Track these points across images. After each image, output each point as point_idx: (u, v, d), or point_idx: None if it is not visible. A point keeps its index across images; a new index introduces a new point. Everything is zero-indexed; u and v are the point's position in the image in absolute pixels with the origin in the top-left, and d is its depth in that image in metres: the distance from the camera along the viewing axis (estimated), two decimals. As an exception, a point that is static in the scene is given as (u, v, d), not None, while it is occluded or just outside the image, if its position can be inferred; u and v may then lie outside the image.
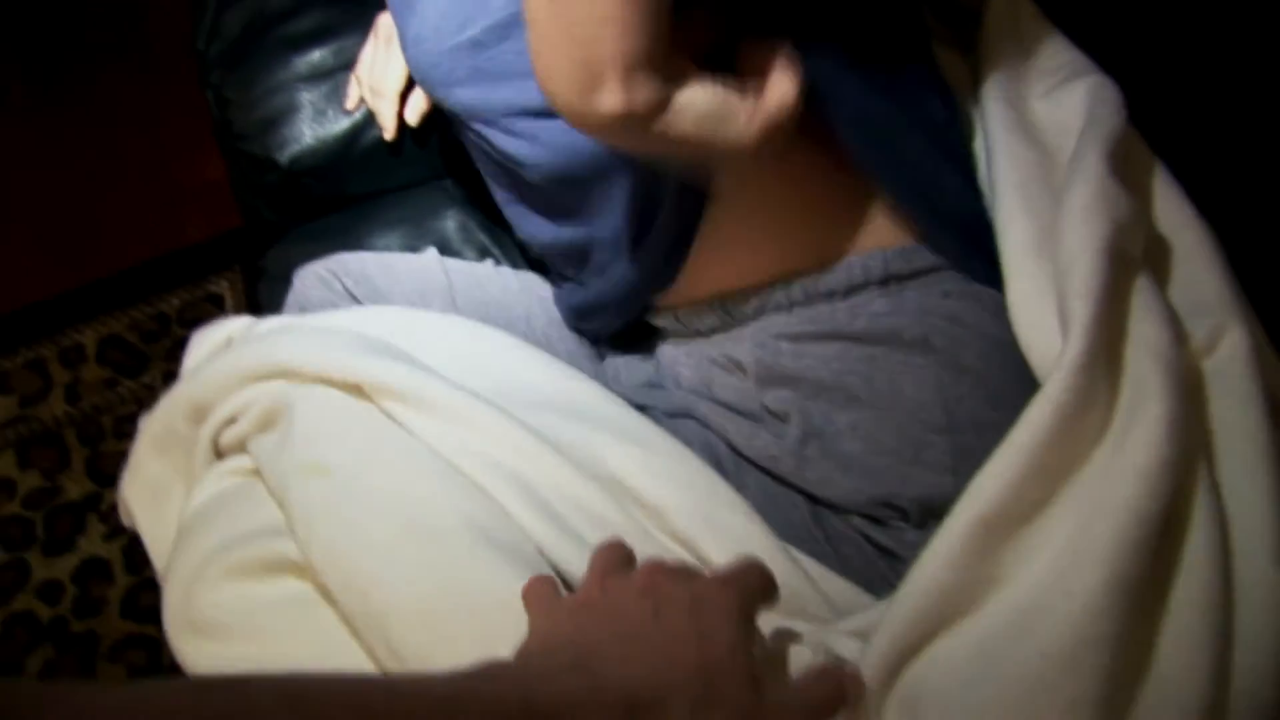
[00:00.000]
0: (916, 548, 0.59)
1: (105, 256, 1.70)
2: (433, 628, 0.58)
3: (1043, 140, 0.71)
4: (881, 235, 0.71)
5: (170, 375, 1.62)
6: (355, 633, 0.60)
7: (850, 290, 0.70)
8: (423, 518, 0.61)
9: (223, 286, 1.66)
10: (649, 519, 0.65)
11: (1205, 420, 0.60)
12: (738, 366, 0.73)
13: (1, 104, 1.80)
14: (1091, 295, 0.58)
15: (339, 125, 1.02)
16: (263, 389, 0.69)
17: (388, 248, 0.99)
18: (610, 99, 0.56)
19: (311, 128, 1.02)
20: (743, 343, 0.72)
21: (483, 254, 0.99)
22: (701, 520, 0.63)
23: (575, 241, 0.78)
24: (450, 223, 1.02)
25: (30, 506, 1.49)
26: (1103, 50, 0.81)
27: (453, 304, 0.84)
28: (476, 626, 0.57)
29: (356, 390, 0.67)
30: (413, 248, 0.98)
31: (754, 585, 0.53)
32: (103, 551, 1.45)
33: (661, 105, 0.58)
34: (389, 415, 0.66)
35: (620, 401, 0.73)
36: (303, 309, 0.85)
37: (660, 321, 0.77)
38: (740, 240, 0.73)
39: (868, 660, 0.53)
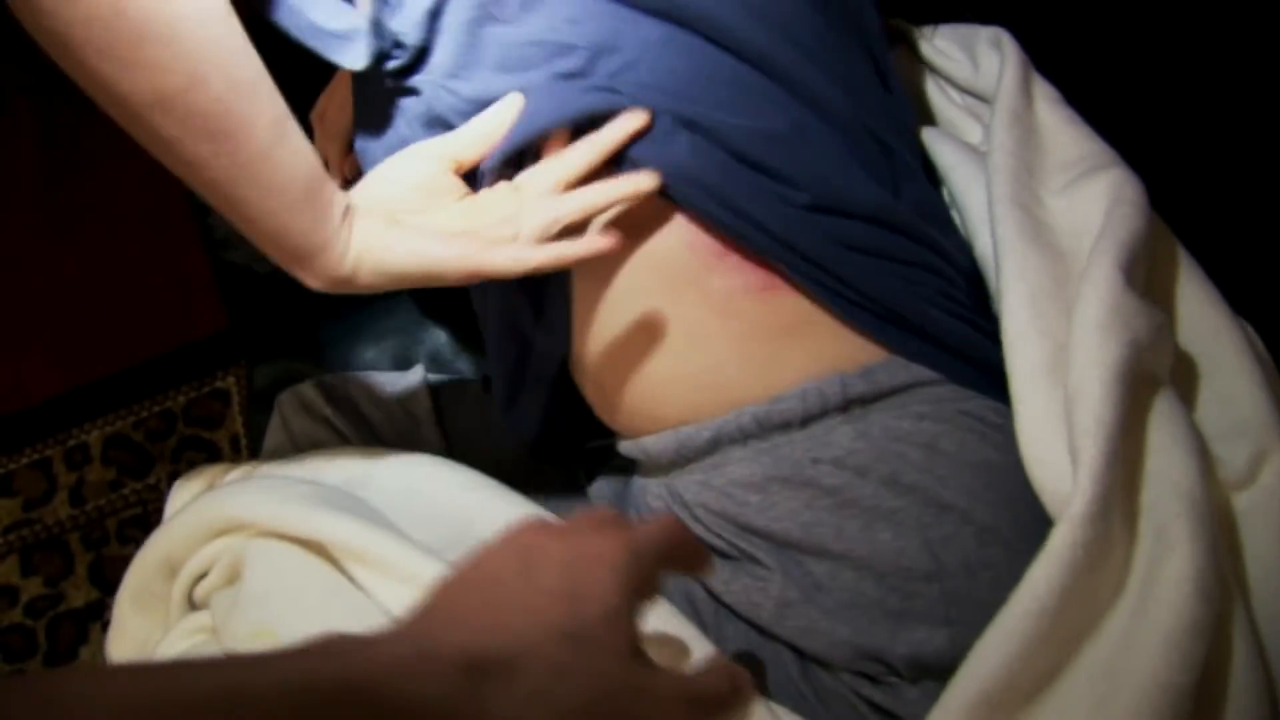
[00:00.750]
0: (918, 705, 0.53)
1: (110, 353, 1.68)
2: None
3: (1057, 244, 0.66)
4: (839, 354, 0.65)
5: (176, 475, 1.61)
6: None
7: (807, 419, 0.64)
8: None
9: (229, 382, 1.63)
10: None
11: (1243, 567, 0.54)
12: (707, 510, 0.67)
13: (9, 196, 1.80)
14: (1102, 431, 0.52)
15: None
16: (226, 543, 0.66)
17: (376, 363, 0.95)
18: (313, 281, 0.64)
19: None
20: (708, 490, 0.65)
21: (478, 366, 0.95)
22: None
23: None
24: (442, 333, 0.97)
25: (32, 615, 1.45)
26: (1131, 137, 0.77)
27: (439, 430, 0.81)
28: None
29: (314, 545, 0.63)
30: (405, 359, 0.95)
31: (653, 547, 0.48)
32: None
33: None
34: (345, 572, 0.62)
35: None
36: (287, 437, 0.82)
37: (626, 449, 0.72)
38: (665, 372, 0.67)
39: None
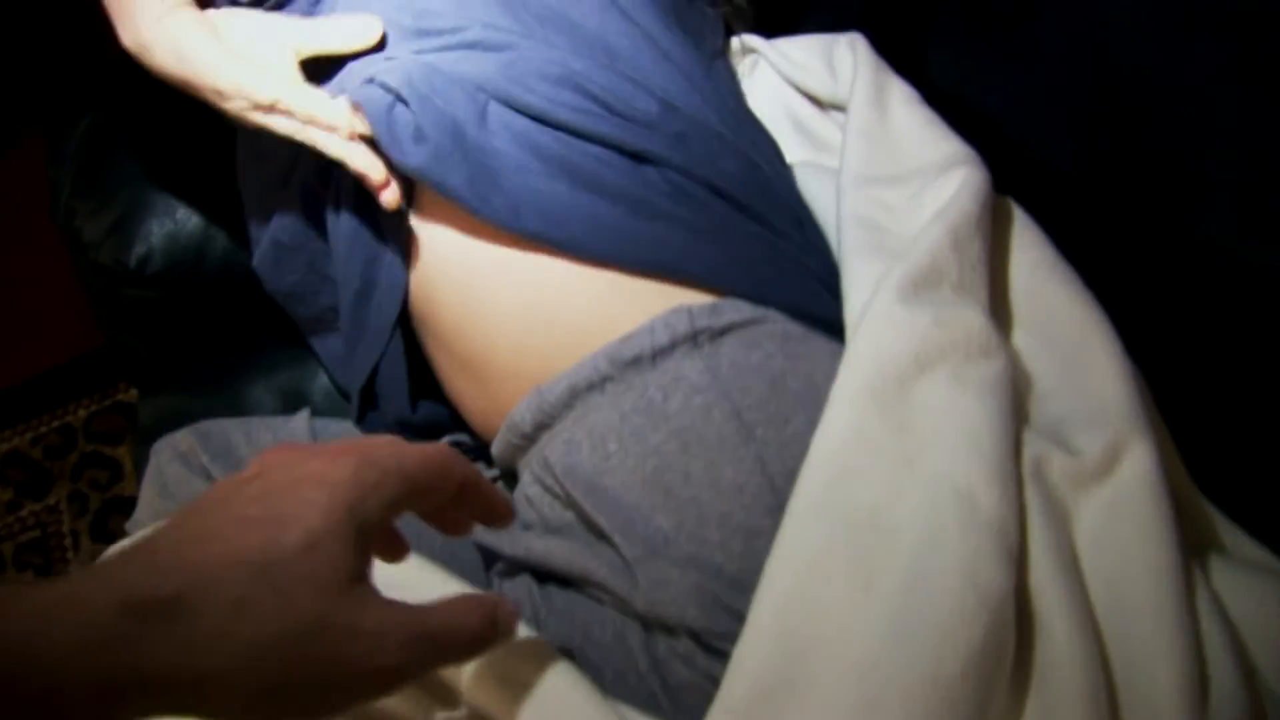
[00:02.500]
0: None
1: (4, 364, 1.62)
2: None
3: (902, 252, 0.66)
4: (686, 292, 0.67)
5: (77, 495, 1.57)
6: None
7: (658, 353, 0.64)
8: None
9: (132, 395, 1.59)
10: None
11: (1105, 553, 0.55)
12: (554, 476, 0.67)
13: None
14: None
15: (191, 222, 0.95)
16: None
17: (263, 401, 0.94)
18: (123, 34, 0.71)
19: (161, 222, 0.94)
20: (574, 447, 0.65)
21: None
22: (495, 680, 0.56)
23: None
24: (326, 378, 0.96)
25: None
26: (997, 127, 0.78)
27: None
28: None
29: None
30: (297, 395, 0.94)
31: (395, 469, 0.43)
32: None
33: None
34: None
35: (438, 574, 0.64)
36: (162, 486, 0.80)
37: (500, 448, 0.72)
38: (512, 313, 0.69)
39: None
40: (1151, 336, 0.68)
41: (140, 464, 0.95)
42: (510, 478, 0.76)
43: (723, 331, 0.65)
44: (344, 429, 0.86)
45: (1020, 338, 0.65)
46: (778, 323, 0.66)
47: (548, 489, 0.68)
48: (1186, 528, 0.58)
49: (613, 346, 0.65)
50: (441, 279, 0.72)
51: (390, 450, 0.44)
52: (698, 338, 0.64)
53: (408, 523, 0.49)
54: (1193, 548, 0.59)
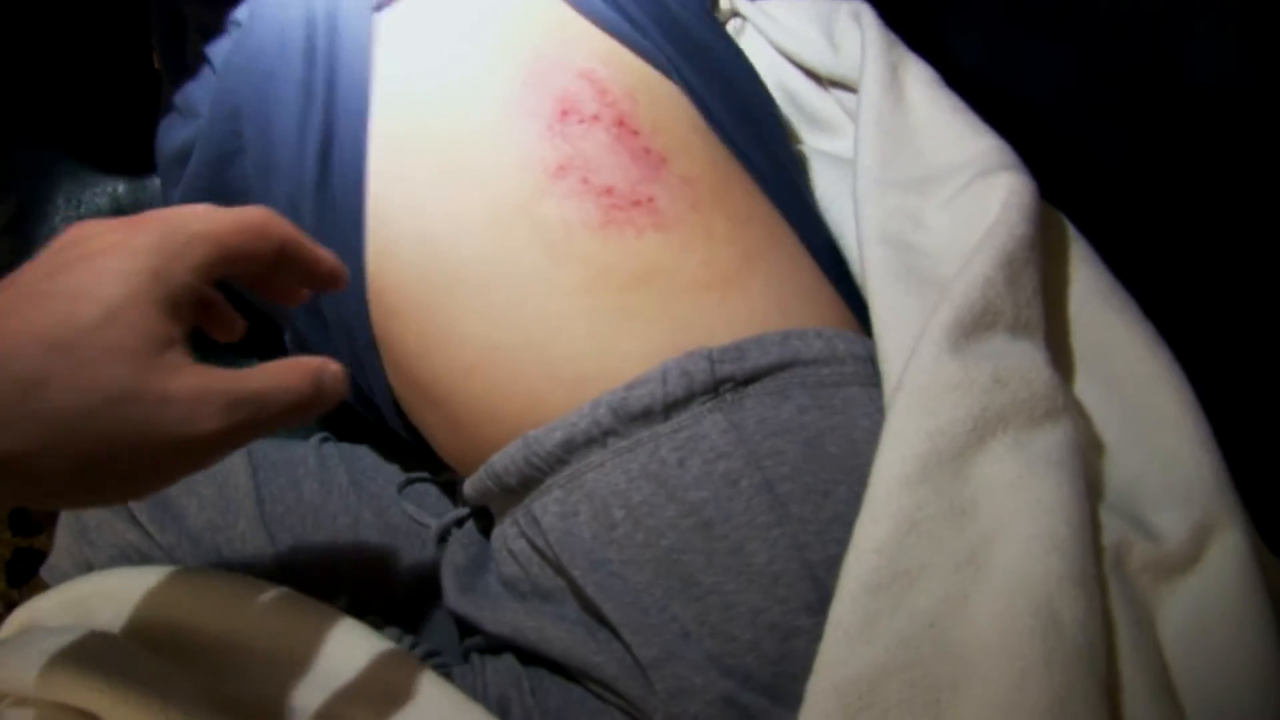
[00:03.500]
0: None
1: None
2: None
3: (936, 275, 0.57)
4: (700, 316, 0.56)
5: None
6: None
7: (671, 406, 0.54)
8: None
9: None
10: None
11: (1197, 658, 0.48)
12: (545, 540, 0.57)
13: None
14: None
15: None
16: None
17: None
18: None
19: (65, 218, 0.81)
20: (569, 511, 0.56)
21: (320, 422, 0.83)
22: None
23: None
24: None
25: None
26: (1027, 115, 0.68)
27: (260, 517, 0.69)
28: None
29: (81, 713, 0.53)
30: None
31: (199, 233, 0.42)
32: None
33: None
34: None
35: (396, 658, 0.57)
36: (81, 531, 0.69)
37: (472, 490, 0.62)
38: (491, 337, 0.58)
39: None
40: (1213, 371, 0.60)
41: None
42: (485, 513, 0.67)
43: (748, 380, 0.54)
44: (286, 455, 0.75)
45: (1078, 384, 0.56)
46: (809, 367, 0.55)
47: (537, 549, 0.58)
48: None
49: (616, 395, 0.54)
50: (399, 299, 0.61)
51: (200, 214, 0.43)
52: (719, 388, 0.54)
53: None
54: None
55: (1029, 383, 0.51)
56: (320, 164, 0.62)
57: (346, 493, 0.72)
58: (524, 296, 0.57)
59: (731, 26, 0.82)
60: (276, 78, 0.63)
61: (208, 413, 0.39)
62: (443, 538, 0.69)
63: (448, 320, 0.58)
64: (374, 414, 0.71)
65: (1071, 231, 0.62)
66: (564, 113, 0.59)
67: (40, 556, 1.38)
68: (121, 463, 0.38)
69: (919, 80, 0.67)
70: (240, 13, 0.66)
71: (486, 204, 0.57)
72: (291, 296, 0.51)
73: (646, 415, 0.54)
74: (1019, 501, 0.48)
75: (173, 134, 0.70)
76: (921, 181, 0.62)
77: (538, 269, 0.57)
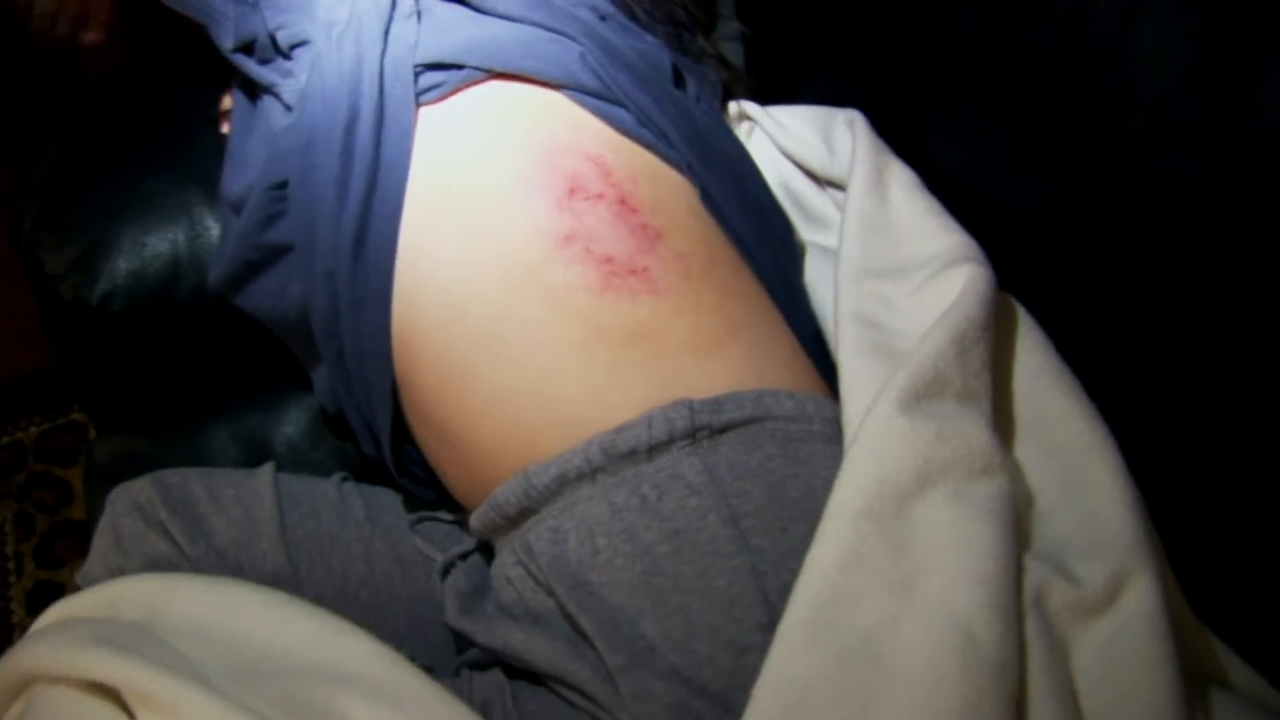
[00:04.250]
0: None
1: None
2: None
3: (902, 351, 0.64)
4: (683, 372, 0.64)
5: (23, 516, 1.52)
6: None
7: (654, 448, 0.61)
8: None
9: (71, 474, 1.52)
10: None
11: (1105, 691, 0.53)
12: (537, 563, 0.64)
13: None
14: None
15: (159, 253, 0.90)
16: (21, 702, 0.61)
17: (225, 451, 0.91)
18: None
19: (128, 260, 0.89)
20: (559, 538, 0.62)
21: (340, 460, 0.90)
22: None
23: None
24: (301, 418, 0.93)
25: None
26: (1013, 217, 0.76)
27: (281, 540, 0.76)
28: None
29: (105, 690, 0.59)
30: (261, 445, 0.91)
31: None
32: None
33: None
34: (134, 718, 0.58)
35: (390, 657, 0.63)
36: (117, 540, 0.76)
37: (478, 521, 0.69)
38: (501, 384, 0.65)
39: None
40: (1157, 450, 0.66)
41: (94, 505, 0.91)
42: (489, 549, 0.73)
43: (723, 429, 0.62)
44: (308, 488, 0.82)
45: (1021, 449, 0.63)
46: (778, 422, 0.63)
47: (530, 574, 0.65)
48: (1186, 657, 0.57)
49: (607, 437, 0.62)
50: (421, 345, 0.69)
51: None
52: (697, 435, 0.61)
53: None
54: (1192, 678, 0.57)
55: (969, 441, 0.57)
56: (355, 246, 0.70)
57: (361, 525, 0.79)
58: (530, 348, 0.65)
59: (741, 129, 0.90)
60: (318, 170, 0.72)
61: None
62: (447, 570, 0.76)
63: (462, 366, 0.67)
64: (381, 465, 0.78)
65: (1028, 320, 0.69)
66: (572, 190, 0.67)
67: (60, 590, 1.45)
68: None
69: (901, 183, 0.75)
70: (289, 93, 0.76)
71: (501, 265, 0.66)
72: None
73: (632, 455, 0.61)
74: (952, 540, 0.54)
75: (231, 184, 0.79)
76: (896, 270, 0.70)
77: (543, 324, 0.65)
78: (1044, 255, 0.75)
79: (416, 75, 0.72)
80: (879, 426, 0.57)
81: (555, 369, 0.64)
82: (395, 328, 0.70)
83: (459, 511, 0.80)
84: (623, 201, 0.68)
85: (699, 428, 0.61)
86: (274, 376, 0.93)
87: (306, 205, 0.72)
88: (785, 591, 0.56)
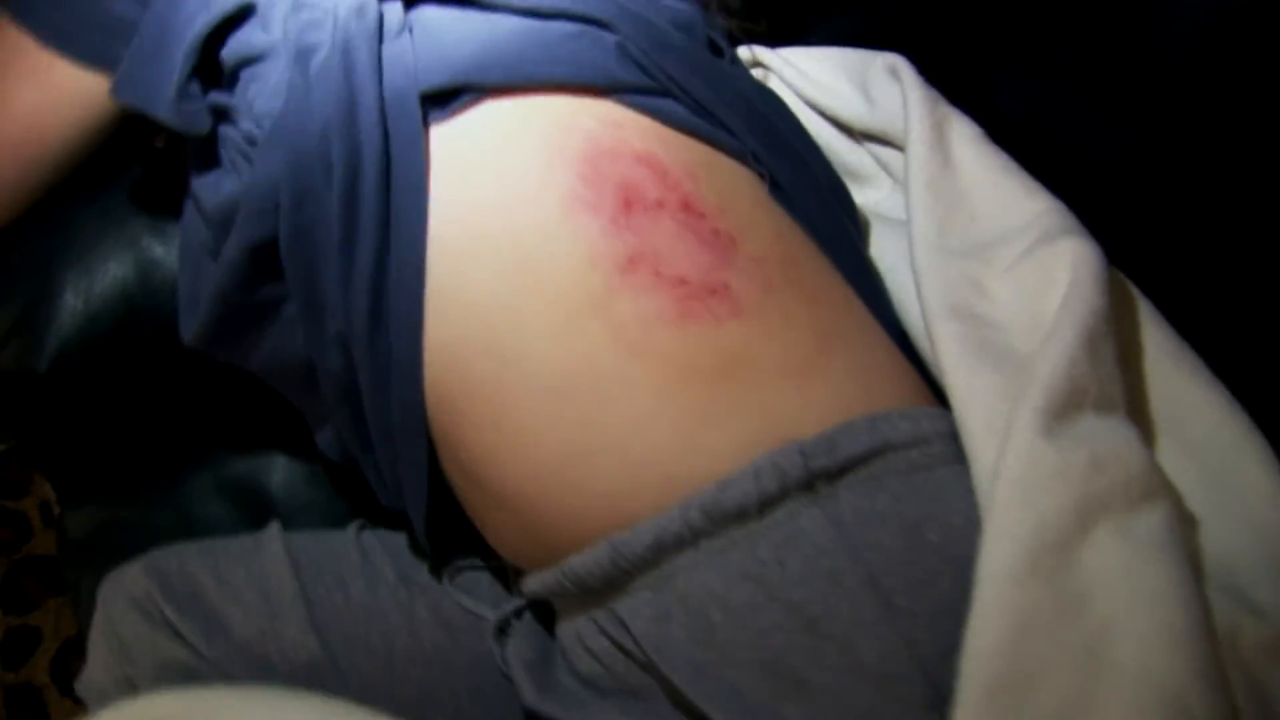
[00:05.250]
0: None
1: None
2: None
3: (1011, 348, 0.56)
4: (787, 409, 0.55)
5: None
6: None
7: (765, 504, 0.53)
8: None
9: (26, 505, 1.39)
10: None
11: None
12: (635, 642, 0.55)
13: None
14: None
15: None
16: None
17: (212, 510, 0.80)
18: None
19: (73, 314, 0.77)
20: (663, 615, 0.54)
21: (346, 494, 0.80)
22: None
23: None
24: (292, 460, 0.82)
25: None
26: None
27: (310, 623, 0.67)
28: None
29: None
30: (253, 494, 0.80)
31: None
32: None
33: None
34: None
35: None
36: (118, 646, 0.67)
37: (535, 586, 0.60)
38: (575, 444, 0.55)
39: None
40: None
41: (78, 589, 0.81)
42: (542, 601, 0.65)
43: (840, 471, 0.53)
44: (325, 546, 0.73)
45: (1159, 452, 0.56)
46: (899, 452, 0.54)
47: (623, 649, 0.57)
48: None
49: (709, 496, 0.53)
50: (466, 403, 0.59)
51: None
52: (813, 482, 0.53)
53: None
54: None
55: (1125, 464, 0.50)
56: (371, 318, 0.60)
57: (395, 588, 0.70)
58: (604, 400, 0.55)
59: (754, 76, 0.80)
60: (314, 230, 0.60)
61: None
62: (501, 628, 0.67)
63: (519, 424, 0.57)
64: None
65: (1135, 293, 0.61)
66: (627, 203, 0.57)
67: (35, 633, 1.34)
68: None
69: (965, 138, 0.66)
70: (245, 126, 0.63)
71: (557, 307, 0.56)
72: None
73: (740, 515, 0.53)
74: (1132, 591, 0.47)
75: (192, 229, 0.68)
76: (980, 248, 0.61)
77: (617, 370, 0.55)
78: (1130, 212, 0.67)
79: (424, 109, 0.60)
80: (1024, 461, 0.49)
81: (636, 420, 0.54)
82: (431, 390, 0.60)
83: (494, 558, 0.72)
84: (687, 206, 0.58)
85: (815, 472, 0.53)
86: (258, 413, 0.83)
87: (305, 266, 0.60)
88: (944, 658, 0.48)
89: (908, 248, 0.63)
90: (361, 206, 0.59)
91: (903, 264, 0.65)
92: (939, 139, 0.66)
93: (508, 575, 0.72)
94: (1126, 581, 0.47)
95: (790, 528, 0.52)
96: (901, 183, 0.70)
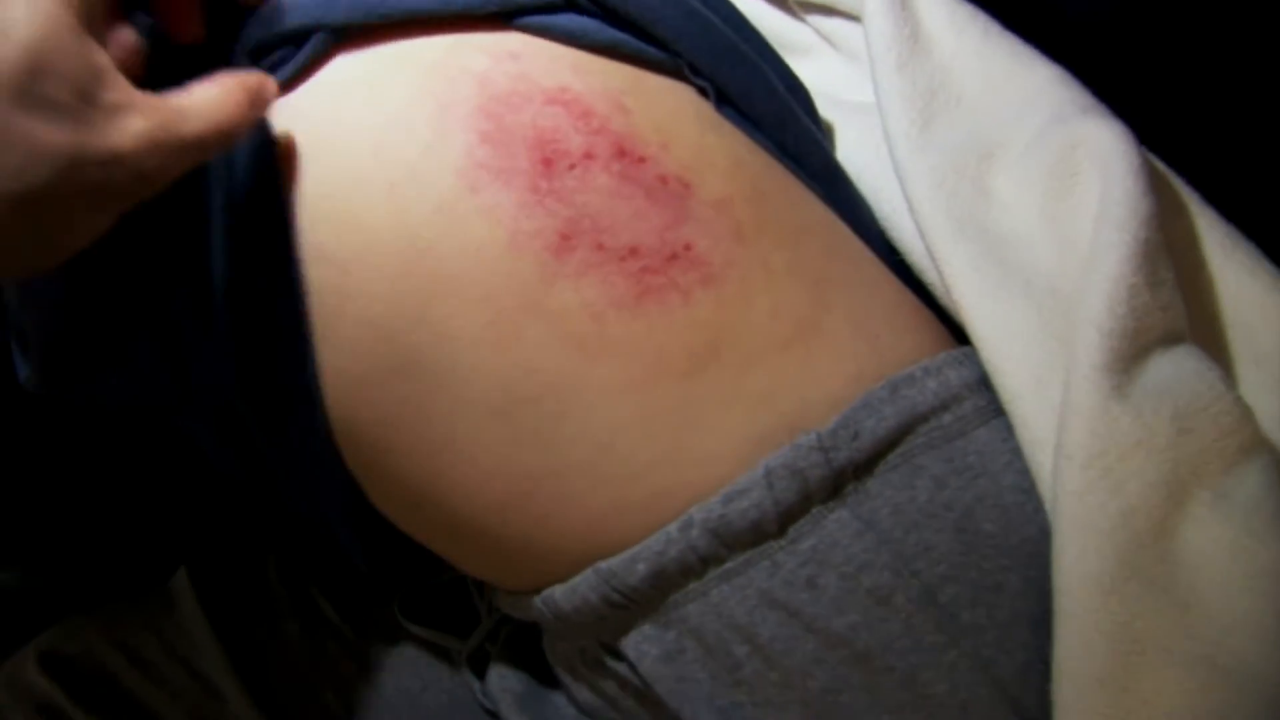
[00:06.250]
0: None
1: None
2: None
3: (1039, 274, 0.46)
4: (790, 390, 0.44)
5: None
6: None
7: (785, 518, 0.43)
8: None
9: None
10: None
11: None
12: (643, 680, 0.47)
13: None
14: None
15: None
16: None
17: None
18: None
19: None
20: (673, 652, 0.45)
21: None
22: None
23: None
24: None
25: None
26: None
27: (248, 694, 0.57)
28: None
29: None
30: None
31: None
32: None
33: None
34: None
35: None
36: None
37: (523, 611, 0.51)
38: (534, 467, 0.45)
39: None
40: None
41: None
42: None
43: (869, 463, 0.43)
44: (247, 596, 0.62)
45: (1241, 382, 0.47)
46: (929, 421, 0.44)
47: (625, 684, 0.48)
48: None
49: (712, 512, 0.43)
50: (387, 432, 0.47)
51: None
52: (839, 480, 0.43)
53: None
54: None
55: (1214, 417, 0.41)
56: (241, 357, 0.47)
57: (339, 627, 0.60)
58: (559, 413, 0.43)
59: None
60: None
61: (142, 148, 0.36)
62: (473, 658, 0.58)
63: (461, 454, 0.45)
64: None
65: (1164, 170, 0.51)
66: (546, 161, 0.44)
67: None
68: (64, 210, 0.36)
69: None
70: None
71: (479, 308, 0.43)
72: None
73: (757, 535, 0.43)
74: (1244, 578, 0.39)
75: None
76: (975, 139, 0.51)
77: (569, 375, 0.43)
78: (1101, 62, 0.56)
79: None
80: (1096, 435, 0.40)
81: (604, 431, 0.44)
82: (338, 423, 0.48)
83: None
84: (622, 151, 0.45)
85: (839, 468, 0.43)
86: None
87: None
88: (1025, 676, 0.41)
89: (879, 142, 0.53)
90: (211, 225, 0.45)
91: (877, 164, 0.54)
92: (903, 4, 0.55)
93: (471, 583, 0.62)
94: (1236, 565, 0.39)
95: (817, 539, 0.43)
96: (846, 51, 0.59)
